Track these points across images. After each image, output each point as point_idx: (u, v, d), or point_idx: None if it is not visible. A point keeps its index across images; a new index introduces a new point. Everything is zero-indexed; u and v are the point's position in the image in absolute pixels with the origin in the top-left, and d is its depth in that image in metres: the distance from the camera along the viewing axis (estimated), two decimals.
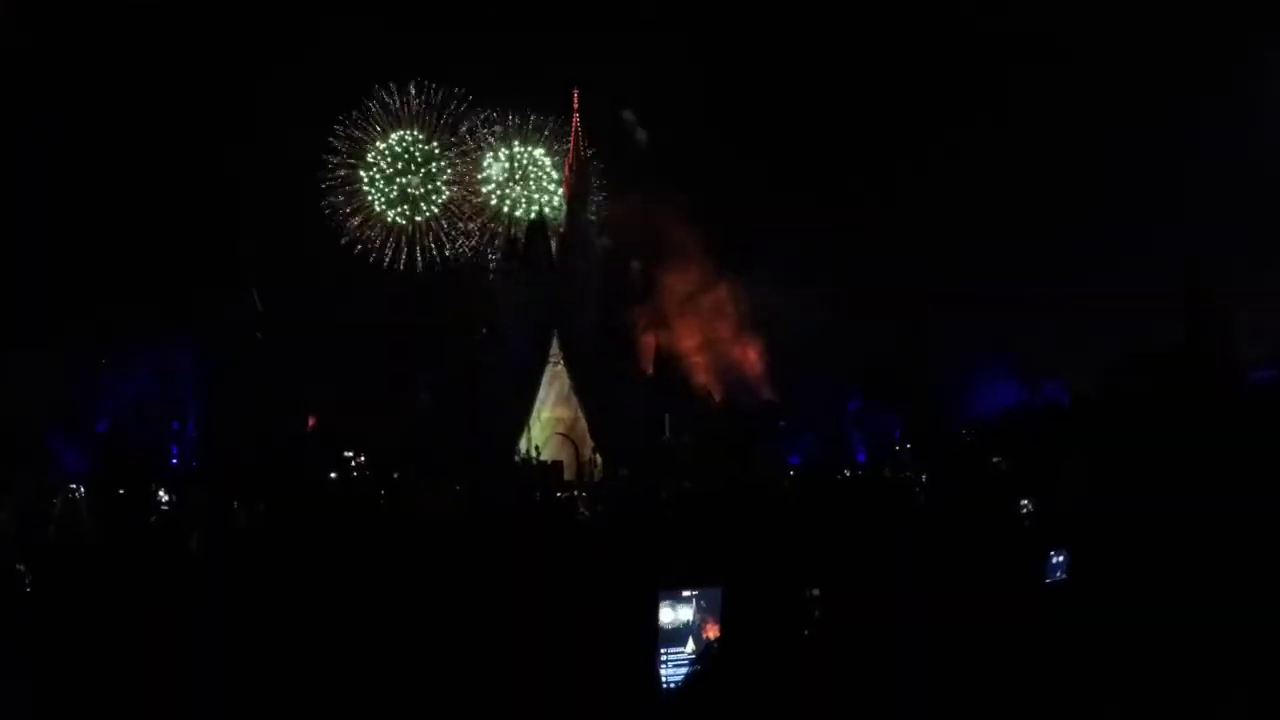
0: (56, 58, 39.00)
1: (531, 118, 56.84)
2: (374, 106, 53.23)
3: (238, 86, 43.27)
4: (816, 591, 5.14)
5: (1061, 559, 6.14)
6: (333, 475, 35.66)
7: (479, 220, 57.59)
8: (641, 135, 56.19)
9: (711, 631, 3.84)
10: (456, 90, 54.25)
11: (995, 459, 32.04)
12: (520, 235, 59.82)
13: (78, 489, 18.91)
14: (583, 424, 53.86)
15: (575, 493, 21.00)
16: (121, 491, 19.85)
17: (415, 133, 55.84)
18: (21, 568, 5.30)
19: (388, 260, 54.26)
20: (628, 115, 56.85)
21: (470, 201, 57.87)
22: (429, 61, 53.08)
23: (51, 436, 29.19)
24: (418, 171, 55.98)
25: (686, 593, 3.79)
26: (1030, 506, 11.18)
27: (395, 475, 36.96)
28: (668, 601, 3.76)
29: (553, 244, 59.93)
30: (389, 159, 54.19)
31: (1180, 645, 4.13)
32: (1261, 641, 4.05)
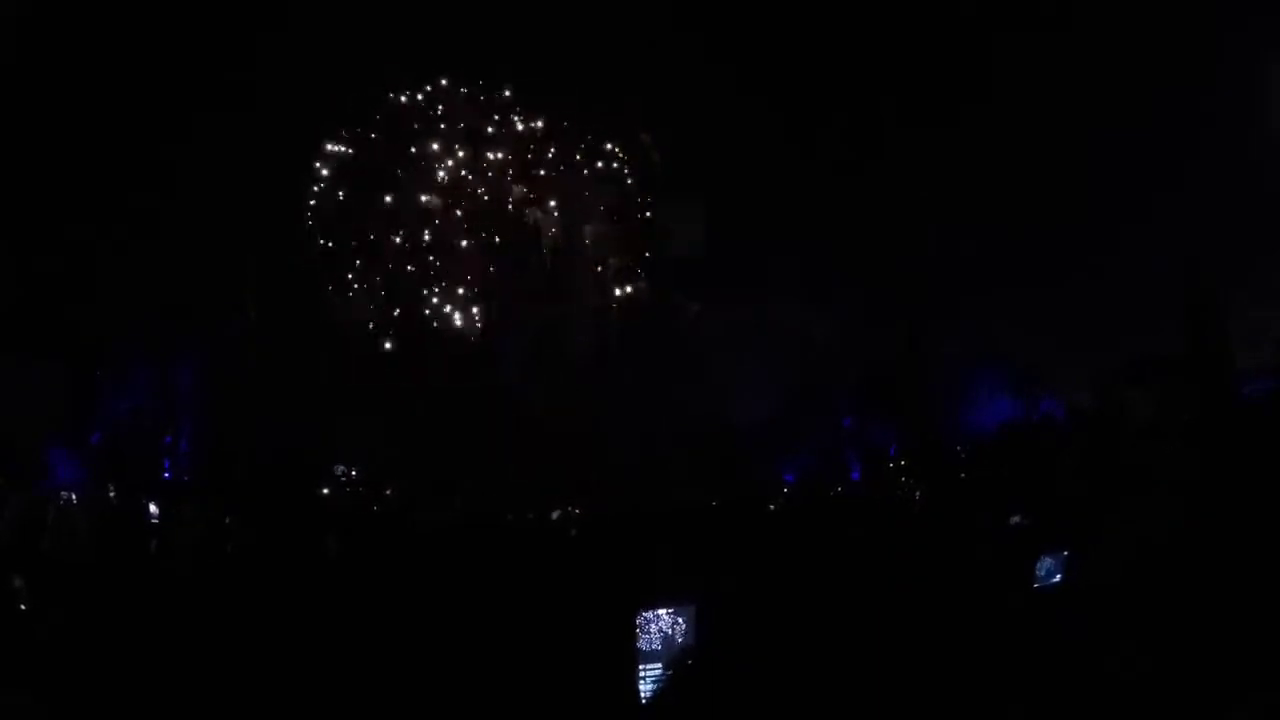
0: (59, 61, 39.09)
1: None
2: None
3: (238, 90, 43.34)
4: (805, 608, 5.19)
5: (1052, 562, 6.13)
6: (325, 491, 35.67)
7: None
8: (656, 157, 56.38)
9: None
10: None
11: (987, 474, 32.08)
12: (515, 244, 60.10)
13: (70, 496, 18.94)
14: (577, 439, 53.88)
15: (568, 509, 21.05)
16: (113, 502, 19.84)
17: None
18: (19, 583, 5.35)
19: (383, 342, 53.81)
20: (644, 138, 57.09)
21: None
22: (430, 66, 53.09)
23: (47, 448, 29.16)
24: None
25: (664, 610, 3.85)
26: (1020, 519, 11.19)
27: (388, 491, 36.99)
28: (646, 618, 3.81)
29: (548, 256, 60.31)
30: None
31: (1183, 653, 4.16)
32: (1268, 649, 4.08)
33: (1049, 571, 5.96)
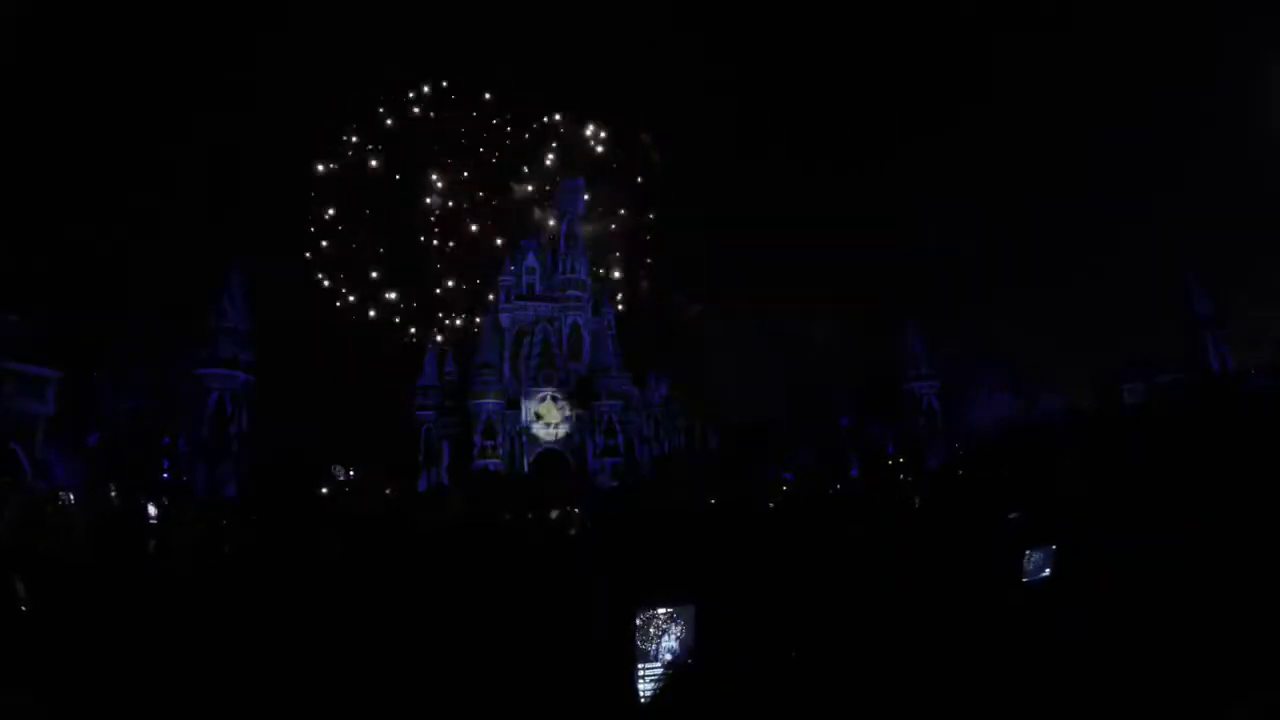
0: (60, 62, 38.97)
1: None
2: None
3: (240, 96, 43.33)
4: (804, 608, 5.18)
5: (1040, 557, 6.08)
6: (324, 490, 35.76)
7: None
8: (656, 157, 56.80)
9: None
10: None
11: (987, 472, 32.08)
12: (512, 252, 60.36)
13: (68, 495, 18.98)
14: (576, 439, 54.16)
15: (567, 509, 20.96)
16: (113, 501, 19.85)
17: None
18: (19, 584, 5.33)
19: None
20: (645, 138, 57.56)
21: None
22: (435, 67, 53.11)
23: (44, 448, 29.24)
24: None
25: (663, 610, 3.82)
26: (1016, 516, 11.18)
27: (388, 491, 36.98)
28: (645, 618, 3.79)
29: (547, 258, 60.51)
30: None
31: (1175, 651, 4.14)
32: (1268, 649, 4.08)
33: (1037, 566, 5.93)
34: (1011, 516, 11.13)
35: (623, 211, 57.97)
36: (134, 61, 40.34)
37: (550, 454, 54.08)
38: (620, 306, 63.17)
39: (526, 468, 52.02)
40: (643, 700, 3.66)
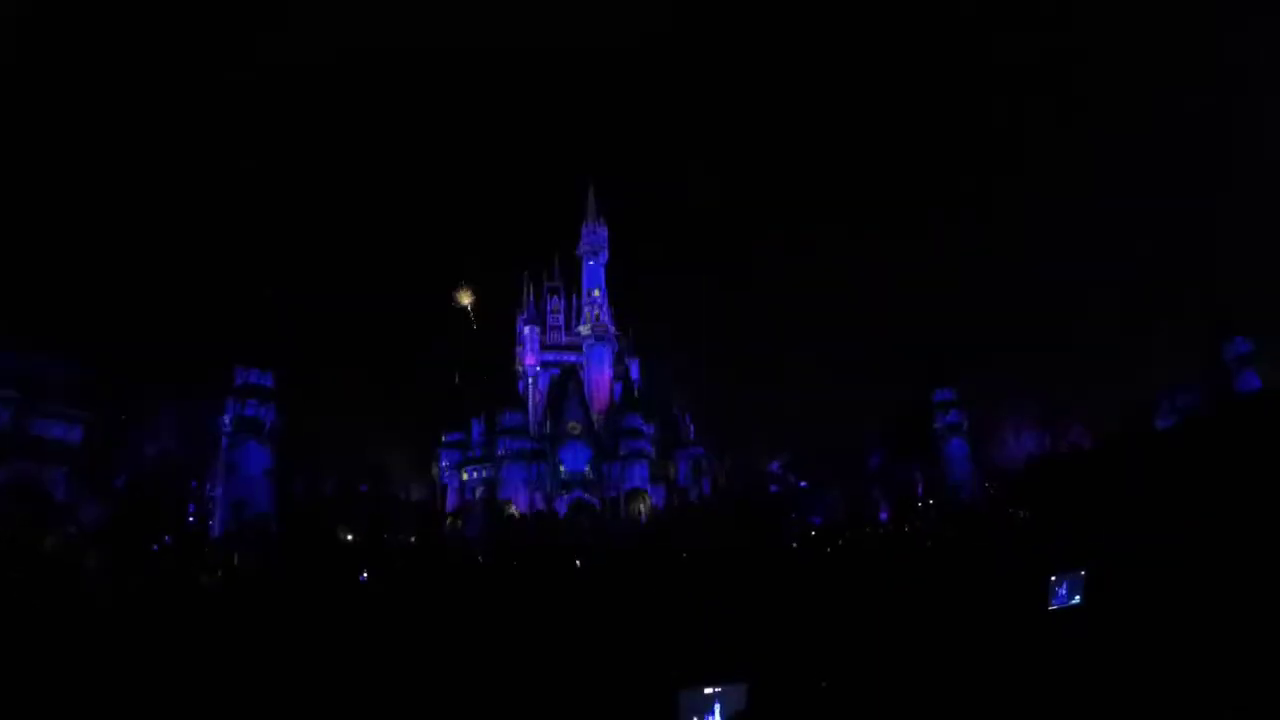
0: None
1: None
2: None
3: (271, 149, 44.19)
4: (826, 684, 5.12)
5: (1070, 583, 5.96)
6: (349, 537, 35.75)
7: None
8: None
9: None
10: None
11: (1019, 511, 31.65)
12: (533, 294, 60.90)
13: (91, 537, 19.13)
14: (601, 483, 53.83)
15: (594, 550, 20.91)
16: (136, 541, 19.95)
17: None
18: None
19: None
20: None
21: None
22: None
23: (72, 489, 29.35)
24: None
25: (709, 690, 3.46)
26: (1046, 546, 11.05)
27: (413, 539, 37.02)
28: (688, 699, 3.46)
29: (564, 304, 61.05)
30: None
31: (1193, 668, 4.11)
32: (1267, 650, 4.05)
33: (1067, 592, 5.79)
34: (1040, 547, 11.00)
35: (653, 261, 58.43)
36: (184, 109, 41.58)
37: (578, 497, 53.81)
38: (648, 353, 63.24)
39: (554, 509, 51.77)
40: None
